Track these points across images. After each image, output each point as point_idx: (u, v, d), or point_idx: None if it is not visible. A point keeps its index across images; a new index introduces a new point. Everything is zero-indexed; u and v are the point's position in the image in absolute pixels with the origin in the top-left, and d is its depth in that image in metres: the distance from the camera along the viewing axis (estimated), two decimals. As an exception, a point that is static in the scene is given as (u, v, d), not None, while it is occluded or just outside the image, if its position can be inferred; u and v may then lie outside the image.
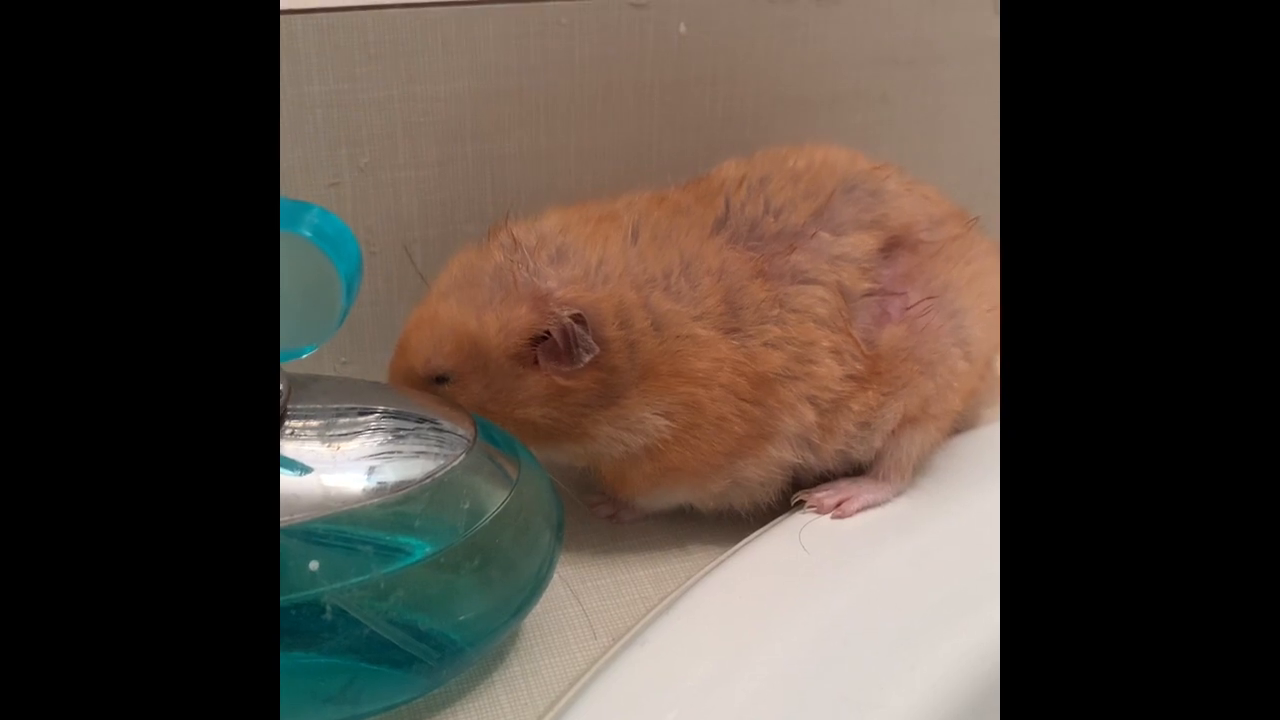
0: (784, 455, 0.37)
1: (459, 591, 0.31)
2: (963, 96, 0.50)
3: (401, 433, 0.31)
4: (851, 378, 0.37)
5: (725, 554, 0.37)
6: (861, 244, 0.37)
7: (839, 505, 0.38)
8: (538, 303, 0.34)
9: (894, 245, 0.38)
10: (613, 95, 0.43)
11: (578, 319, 0.34)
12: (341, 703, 0.30)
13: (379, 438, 0.31)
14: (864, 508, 0.38)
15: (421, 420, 0.32)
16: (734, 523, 0.39)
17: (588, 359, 0.34)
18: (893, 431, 0.38)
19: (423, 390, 0.35)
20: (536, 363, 0.35)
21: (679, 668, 0.31)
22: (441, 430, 0.32)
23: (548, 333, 0.34)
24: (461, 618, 0.31)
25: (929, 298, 0.37)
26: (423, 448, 0.31)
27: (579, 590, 0.37)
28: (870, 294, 0.37)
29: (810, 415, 0.37)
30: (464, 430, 0.32)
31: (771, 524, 0.38)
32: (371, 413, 0.32)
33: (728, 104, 0.45)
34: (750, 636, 0.33)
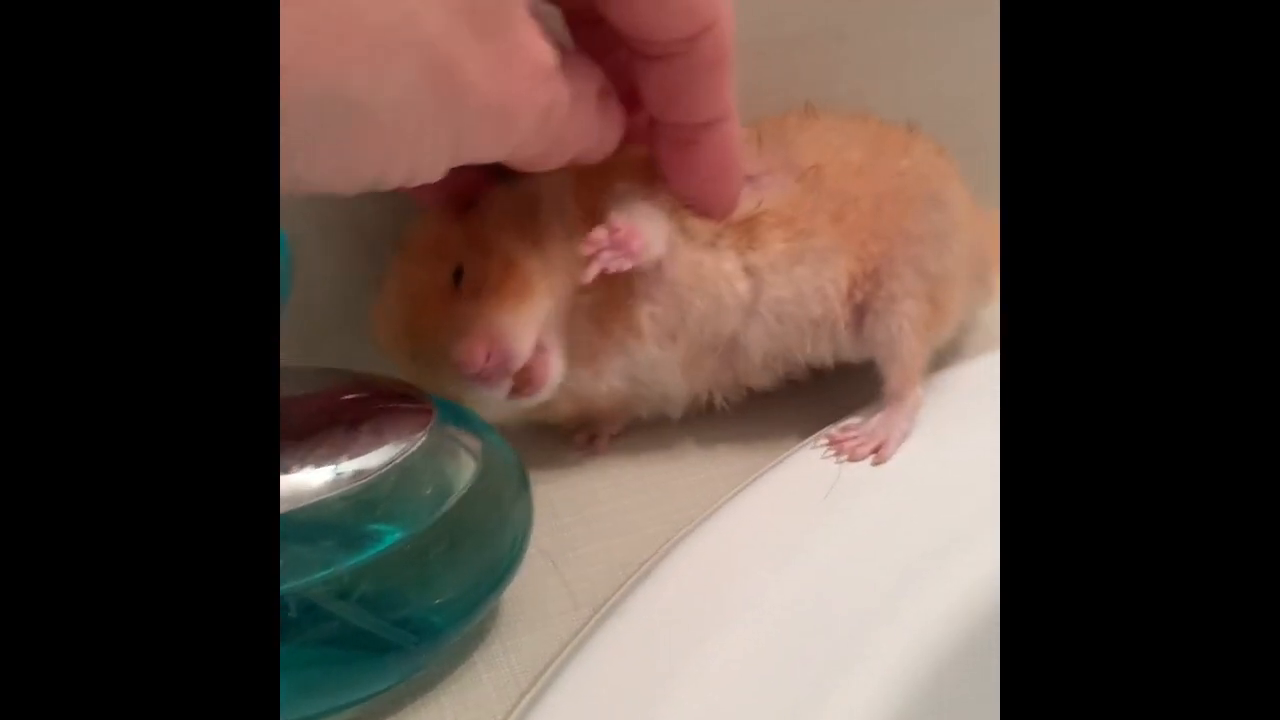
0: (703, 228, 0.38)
1: (432, 574, 0.31)
2: (925, 30, 0.48)
3: (359, 419, 0.31)
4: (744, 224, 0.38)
5: (704, 514, 0.37)
6: None
7: (877, 450, 0.38)
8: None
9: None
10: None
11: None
12: (321, 694, 0.30)
13: (337, 426, 0.30)
14: (903, 439, 0.39)
15: (378, 404, 0.31)
16: (711, 481, 0.39)
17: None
18: (876, 311, 0.39)
19: (456, 298, 0.36)
20: None
21: (663, 635, 0.31)
22: (400, 413, 0.31)
23: None
24: (437, 600, 0.31)
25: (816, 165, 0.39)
26: (381, 433, 0.30)
27: (559, 561, 0.36)
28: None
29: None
30: (422, 411, 0.31)
31: (751, 479, 0.38)
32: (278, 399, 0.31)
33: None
34: (735, 595, 0.32)
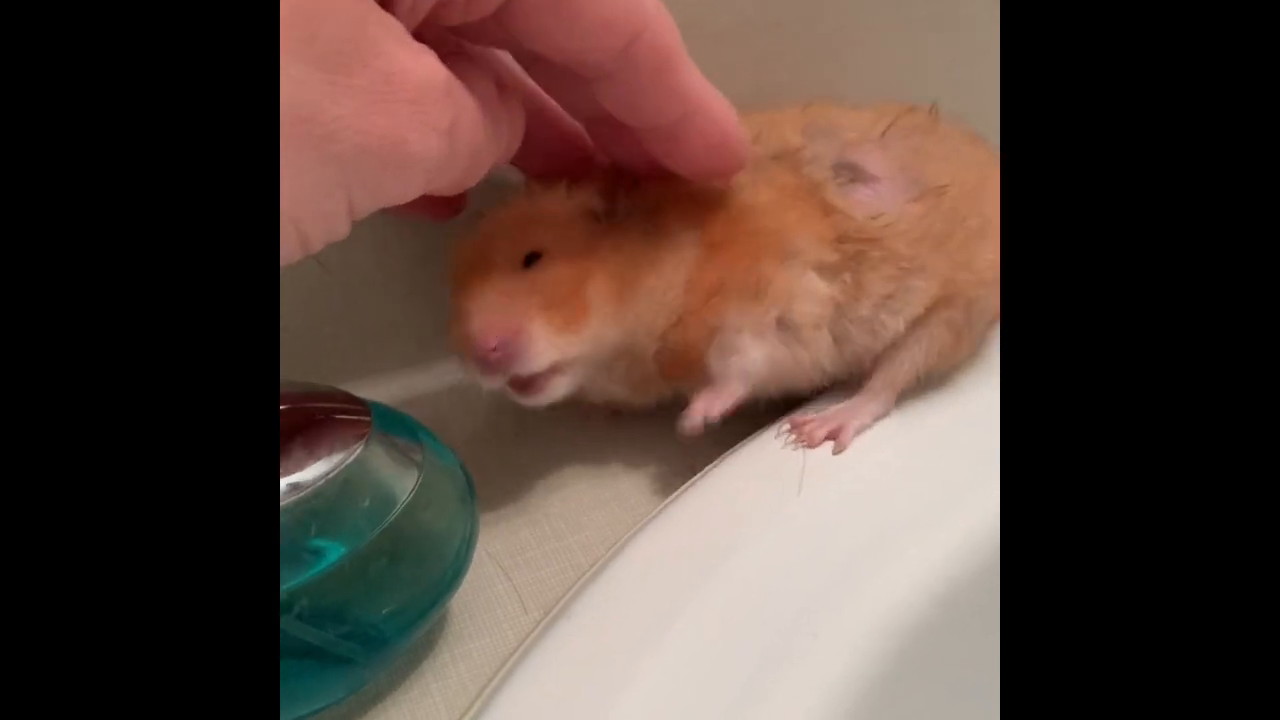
0: (814, 285, 0.37)
1: (377, 585, 0.30)
2: (863, 16, 0.48)
3: (293, 431, 0.30)
4: (855, 240, 0.37)
5: (654, 510, 0.36)
6: (790, 142, 0.39)
7: (833, 435, 0.38)
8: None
9: (853, 143, 0.39)
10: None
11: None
12: (268, 712, 0.29)
13: (273, 438, 0.30)
14: (860, 431, 0.38)
15: (313, 415, 0.31)
16: (663, 478, 0.39)
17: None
18: (916, 320, 0.38)
19: (514, 278, 0.35)
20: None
21: (613, 635, 0.31)
22: (335, 423, 0.30)
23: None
24: (384, 610, 0.30)
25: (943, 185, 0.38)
26: (317, 445, 0.30)
27: (507, 566, 0.36)
28: (851, 178, 0.38)
29: (819, 245, 0.37)
30: (359, 421, 0.31)
31: (699, 475, 0.38)
32: (279, 401, 0.30)
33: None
34: (684, 592, 0.32)
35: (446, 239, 0.42)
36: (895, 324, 0.38)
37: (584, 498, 0.39)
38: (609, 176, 0.38)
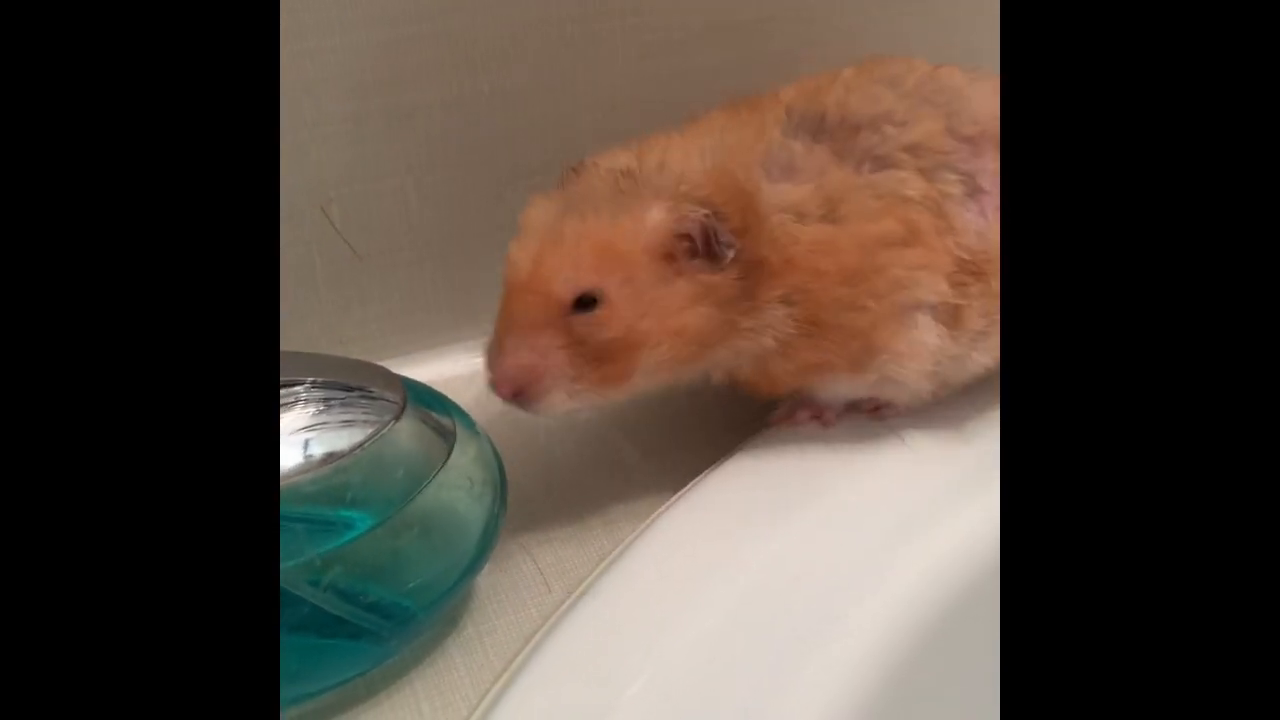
0: (927, 338, 0.35)
1: (404, 559, 0.30)
2: (890, 10, 0.49)
3: (330, 403, 0.30)
4: (964, 270, 0.35)
5: (678, 493, 0.37)
6: (933, 132, 0.35)
7: (877, 408, 0.38)
8: (669, 205, 0.33)
9: (975, 140, 0.36)
10: (524, 34, 0.41)
11: (713, 215, 0.33)
12: (295, 680, 0.30)
13: (307, 409, 0.30)
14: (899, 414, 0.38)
15: (349, 389, 0.31)
16: (687, 463, 0.39)
17: (730, 254, 0.33)
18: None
19: (557, 324, 0.32)
20: (677, 267, 0.33)
21: (636, 614, 0.31)
22: (371, 398, 0.31)
23: (686, 236, 0.33)
24: (410, 584, 0.31)
25: None
26: (352, 417, 0.30)
27: (531, 545, 0.36)
28: (968, 191, 0.35)
29: (941, 283, 0.35)
30: (393, 396, 0.31)
31: (723, 460, 0.38)
32: (298, 384, 0.31)
33: (641, 35, 0.43)
34: (706, 575, 0.32)
35: (480, 218, 0.43)
36: (985, 361, 0.37)
37: (608, 481, 0.39)
38: (713, 200, 0.33)
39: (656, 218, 0.32)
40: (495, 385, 0.33)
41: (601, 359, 0.33)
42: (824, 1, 0.47)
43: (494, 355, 0.33)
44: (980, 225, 0.35)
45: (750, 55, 0.40)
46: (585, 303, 0.32)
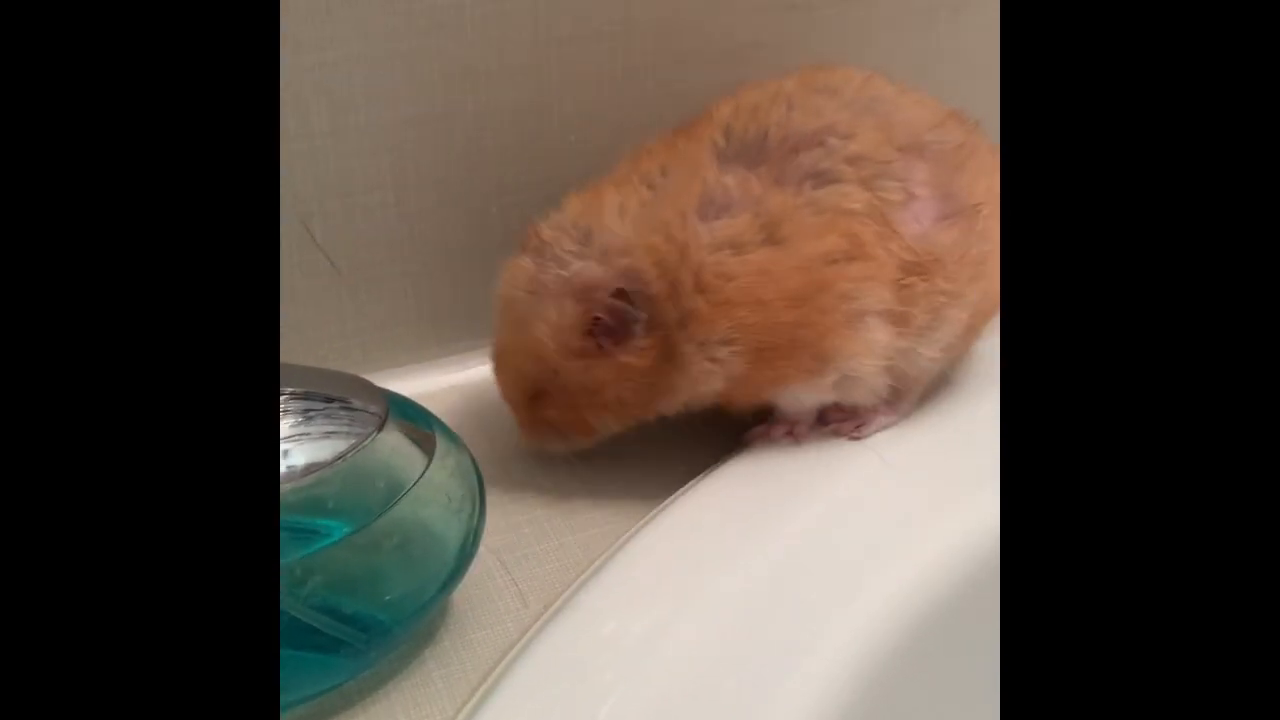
0: (878, 335, 0.36)
1: (382, 571, 0.30)
2: (872, 37, 0.50)
3: (311, 414, 0.30)
4: (910, 272, 0.36)
5: (655, 510, 0.37)
6: (876, 142, 0.36)
7: (857, 427, 0.39)
8: (577, 294, 0.35)
9: (906, 150, 0.37)
10: (507, 53, 0.42)
11: (618, 294, 0.35)
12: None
13: (288, 420, 0.30)
14: (880, 429, 0.39)
15: (330, 400, 0.31)
16: (664, 480, 0.39)
17: (639, 327, 0.35)
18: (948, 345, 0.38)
19: (524, 406, 0.38)
20: (601, 348, 0.36)
21: (612, 629, 0.31)
22: (352, 409, 0.31)
23: (598, 317, 0.35)
24: (387, 597, 0.31)
25: (978, 204, 0.37)
26: (333, 428, 0.30)
27: (508, 561, 0.36)
28: (905, 199, 0.36)
29: (885, 292, 0.36)
30: (375, 408, 0.31)
31: (700, 476, 0.38)
32: (280, 395, 0.31)
33: (628, 58, 0.44)
34: (684, 588, 0.33)
35: (462, 234, 0.43)
36: (931, 353, 0.38)
37: (585, 497, 0.39)
38: (635, 268, 0.35)
39: (567, 317, 0.36)
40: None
41: (561, 429, 0.38)
42: (807, 29, 0.48)
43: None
44: (917, 230, 0.36)
45: (734, 79, 0.41)
46: (536, 395, 0.38)
